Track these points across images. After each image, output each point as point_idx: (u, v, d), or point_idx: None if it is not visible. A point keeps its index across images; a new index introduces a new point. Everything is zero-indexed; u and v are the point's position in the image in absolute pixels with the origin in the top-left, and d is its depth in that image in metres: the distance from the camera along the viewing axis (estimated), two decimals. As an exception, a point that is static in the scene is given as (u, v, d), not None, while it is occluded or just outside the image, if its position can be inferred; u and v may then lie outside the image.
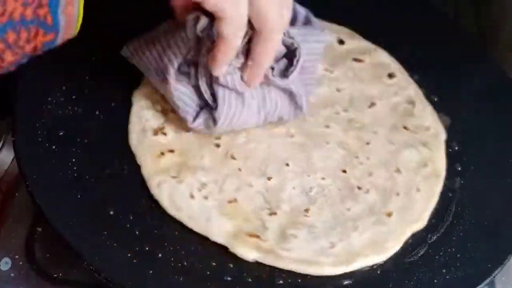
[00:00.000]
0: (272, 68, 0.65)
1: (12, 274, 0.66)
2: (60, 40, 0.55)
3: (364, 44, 0.78)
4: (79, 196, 0.64)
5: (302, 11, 0.69)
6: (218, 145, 0.68)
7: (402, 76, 0.77)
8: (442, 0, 0.90)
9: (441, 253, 0.64)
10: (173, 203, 0.64)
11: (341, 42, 0.78)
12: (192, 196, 0.64)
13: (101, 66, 0.72)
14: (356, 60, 0.77)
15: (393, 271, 0.62)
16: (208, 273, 0.61)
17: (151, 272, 0.60)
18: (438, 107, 0.75)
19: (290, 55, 0.65)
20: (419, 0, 0.85)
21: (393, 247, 0.64)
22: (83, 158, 0.66)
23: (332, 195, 0.67)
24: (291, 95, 0.67)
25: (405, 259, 0.63)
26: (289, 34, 0.65)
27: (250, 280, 0.61)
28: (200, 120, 0.66)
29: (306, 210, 0.65)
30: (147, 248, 0.61)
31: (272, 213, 0.64)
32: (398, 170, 0.69)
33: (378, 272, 0.62)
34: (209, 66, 0.63)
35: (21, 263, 0.67)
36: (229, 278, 0.61)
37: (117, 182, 0.65)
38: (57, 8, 0.52)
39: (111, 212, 0.63)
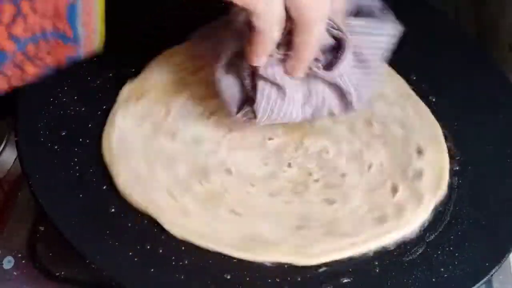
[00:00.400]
0: (318, 60, 0.63)
1: (14, 273, 0.67)
2: (83, 53, 0.54)
3: None
4: (81, 196, 0.64)
5: (367, 2, 0.67)
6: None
7: None
8: (442, 0, 0.91)
9: (439, 252, 0.64)
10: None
11: None
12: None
13: (103, 66, 0.72)
14: None
15: (391, 269, 0.63)
16: (209, 271, 0.61)
17: (152, 270, 0.60)
18: (437, 107, 0.76)
19: (339, 47, 0.63)
20: (418, 0, 0.85)
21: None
22: (85, 158, 0.66)
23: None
24: (339, 89, 0.65)
25: (403, 258, 0.64)
26: (339, 26, 0.62)
27: (248, 278, 0.61)
28: (244, 111, 0.66)
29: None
30: (148, 247, 0.62)
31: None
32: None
33: (377, 270, 0.63)
34: (247, 57, 0.62)
35: (23, 261, 0.68)
36: (228, 277, 0.61)
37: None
38: (75, 20, 0.52)
39: (113, 211, 0.64)
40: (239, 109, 0.66)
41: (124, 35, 0.71)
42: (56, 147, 0.66)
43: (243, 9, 0.58)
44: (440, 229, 0.66)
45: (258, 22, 0.58)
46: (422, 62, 0.79)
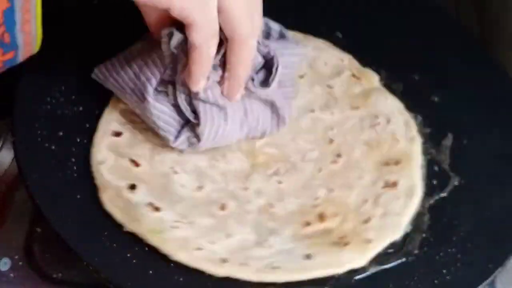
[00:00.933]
0: (252, 79, 0.64)
1: (11, 275, 0.67)
2: (21, 57, 0.55)
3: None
4: (78, 197, 0.64)
5: (275, 26, 0.68)
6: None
7: None
8: (443, 0, 0.90)
9: (441, 254, 0.64)
10: None
11: None
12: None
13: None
14: None
15: (393, 271, 0.62)
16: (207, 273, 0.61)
17: (150, 272, 0.60)
18: (438, 108, 0.75)
19: (268, 65, 0.65)
20: (420, 0, 0.85)
21: None
22: (82, 158, 0.66)
23: None
24: (273, 106, 0.66)
25: (405, 259, 0.63)
26: (264, 43, 0.64)
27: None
28: (183, 138, 0.65)
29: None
30: (146, 248, 0.61)
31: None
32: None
33: (378, 270, 0.62)
34: (187, 81, 0.62)
35: (20, 263, 0.67)
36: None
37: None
38: (13, 27, 0.51)
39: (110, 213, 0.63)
40: (177, 136, 0.65)
41: (124, 36, 0.71)
42: (53, 147, 0.66)
43: (178, 32, 0.59)
44: (443, 230, 0.65)
45: (196, 36, 0.58)
46: (424, 62, 0.78)
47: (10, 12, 0.50)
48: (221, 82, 0.63)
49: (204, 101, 0.63)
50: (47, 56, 0.71)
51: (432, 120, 0.74)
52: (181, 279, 0.60)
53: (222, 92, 0.63)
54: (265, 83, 0.65)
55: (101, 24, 0.75)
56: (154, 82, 0.64)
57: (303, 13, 0.81)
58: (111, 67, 0.68)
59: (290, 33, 0.69)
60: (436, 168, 0.71)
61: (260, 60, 0.65)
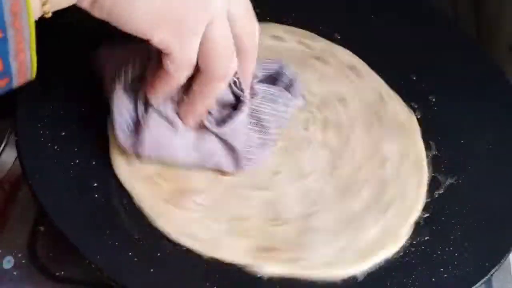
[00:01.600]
0: (211, 114, 0.63)
1: (14, 273, 0.67)
2: (16, 84, 0.54)
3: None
4: (81, 196, 0.64)
5: (288, 74, 0.67)
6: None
7: (366, 71, 0.77)
8: (441, 1, 0.91)
9: (439, 252, 0.64)
10: (178, 228, 0.63)
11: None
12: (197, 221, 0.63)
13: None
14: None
15: (390, 269, 0.63)
16: (210, 272, 0.61)
17: (152, 270, 0.60)
18: (436, 108, 0.76)
19: (237, 106, 0.64)
20: (417, 0, 0.85)
21: (405, 234, 0.65)
22: (86, 158, 0.66)
23: (331, 196, 0.67)
24: (228, 146, 0.65)
25: (402, 258, 0.64)
26: (241, 86, 0.63)
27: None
28: (130, 141, 0.64)
29: (310, 215, 0.65)
30: (148, 247, 0.62)
31: (283, 223, 0.64)
32: (383, 162, 0.70)
33: (377, 269, 0.63)
34: (147, 90, 0.62)
35: (23, 261, 0.67)
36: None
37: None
38: (7, 55, 0.51)
39: (113, 212, 0.64)
40: (127, 138, 0.64)
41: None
42: (56, 147, 0.66)
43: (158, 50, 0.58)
44: (440, 229, 0.66)
45: (170, 65, 0.58)
46: (421, 62, 0.79)
47: (2, 42, 0.50)
48: (179, 103, 0.62)
49: (157, 110, 0.62)
50: (50, 56, 0.72)
51: (430, 119, 0.75)
52: (183, 277, 0.61)
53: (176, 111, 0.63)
54: (225, 121, 0.63)
55: (105, 25, 0.75)
56: (123, 76, 0.63)
57: (303, 13, 0.82)
58: (108, 54, 0.68)
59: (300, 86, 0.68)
60: (434, 167, 0.71)
61: (231, 99, 0.63)
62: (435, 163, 0.71)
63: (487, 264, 0.64)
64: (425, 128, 0.74)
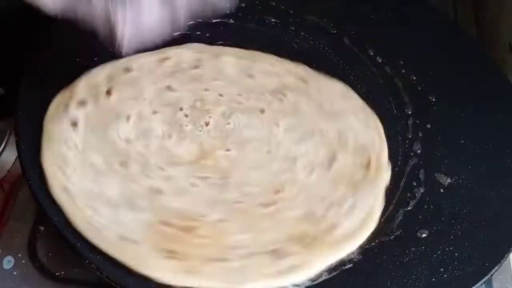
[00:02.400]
0: None
1: (14, 273, 0.67)
2: None
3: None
4: (81, 195, 0.64)
5: None
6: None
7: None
8: (441, 1, 0.91)
9: (438, 252, 0.64)
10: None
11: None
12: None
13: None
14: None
15: (391, 269, 0.63)
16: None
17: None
18: (437, 108, 0.76)
19: None
20: (418, 0, 0.85)
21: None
22: (85, 158, 0.66)
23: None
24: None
25: (403, 258, 0.64)
26: None
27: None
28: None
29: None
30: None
31: (317, 217, 0.65)
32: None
33: (377, 269, 0.63)
34: None
35: (23, 261, 0.68)
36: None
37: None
38: None
39: (113, 211, 0.64)
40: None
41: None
42: (55, 147, 0.66)
43: None
44: (440, 229, 0.66)
45: None
46: (422, 62, 0.79)
47: None
48: None
49: None
50: (49, 56, 0.72)
51: (430, 118, 0.75)
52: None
53: None
54: None
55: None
56: None
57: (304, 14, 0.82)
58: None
59: None
60: (433, 166, 0.71)
61: None
62: (434, 163, 0.71)
63: (487, 264, 0.64)
64: (425, 127, 0.74)
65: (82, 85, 0.71)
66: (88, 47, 0.72)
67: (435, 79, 0.78)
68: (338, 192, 0.68)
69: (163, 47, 0.72)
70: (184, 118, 0.71)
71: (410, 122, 0.74)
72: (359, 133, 0.73)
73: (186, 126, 0.70)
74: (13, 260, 0.68)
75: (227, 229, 0.63)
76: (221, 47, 0.78)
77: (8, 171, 0.74)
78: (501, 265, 0.64)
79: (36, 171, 0.64)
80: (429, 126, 0.74)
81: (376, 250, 0.64)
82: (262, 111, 0.71)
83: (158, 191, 0.65)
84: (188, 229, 0.63)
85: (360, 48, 0.80)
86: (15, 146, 0.66)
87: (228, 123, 0.71)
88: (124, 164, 0.66)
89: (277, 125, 0.71)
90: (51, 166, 0.64)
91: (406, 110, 0.75)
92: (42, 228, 0.69)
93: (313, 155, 0.70)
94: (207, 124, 0.71)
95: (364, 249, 0.64)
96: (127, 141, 0.68)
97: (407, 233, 0.66)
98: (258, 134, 0.70)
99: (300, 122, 0.72)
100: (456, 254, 0.64)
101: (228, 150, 0.69)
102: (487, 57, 0.81)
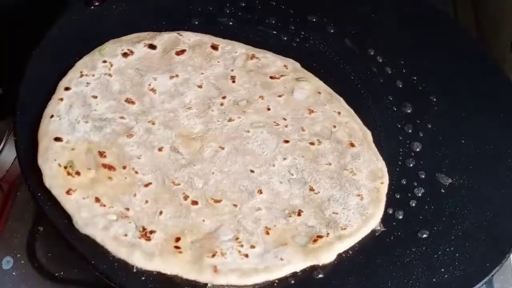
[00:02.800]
0: None
1: (13, 273, 0.67)
2: None
3: (168, 36, 0.77)
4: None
5: None
6: (195, 202, 0.65)
7: (221, 43, 0.77)
8: (442, 1, 0.91)
9: (439, 253, 0.64)
10: (243, 275, 0.61)
11: (151, 46, 0.75)
12: (245, 256, 0.62)
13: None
14: (178, 53, 0.75)
15: (391, 270, 0.63)
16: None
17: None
18: (437, 108, 0.76)
19: None
20: (418, 0, 0.85)
21: (382, 164, 0.69)
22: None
23: (307, 165, 0.68)
24: None
25: (403, 258, 0.64)
26: None
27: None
28: None
29: (312, 190, 0.67)
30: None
31: (298, 214, 0.65)
32: (310, 111, 0.72)
33: (378, 269, 0.63)
34: None
35: (22, 262, 0.68)
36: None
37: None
38: None
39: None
40: None
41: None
42: (55, 147, 0.66)
43: None
44: (441, 229, 0.66)
45: None
46: (422, 62, 0.79)
47: None
48: None
49: None
50: (47, 57, 0.72)
51: (430, 118, 0.74)
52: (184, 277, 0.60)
53: None
54: None
55: (101, 26, 0.75)
56: None
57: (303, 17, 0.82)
58: None
59: None
60: (433, 166, 0.71)
61: None
62: (435, 163, 0.71)
63: (488, 264, 0.64)
64: (426, 127, 0.74)
65: None
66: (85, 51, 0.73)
67: (436, 79, 0.78)
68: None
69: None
70: (219, 105, 0.72)
71: (410, 122, 0.74)
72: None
73: (213, 111, 0.71)
74: (12, 261, 0.68)
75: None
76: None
77: (7, 171, 0.74)
78: (502, 265, 0.64)
79: (35, 171, 0.64)
80: (429, 126, 0.74)
81: (376, 251, 0.64)
82: (287, 141, 0.70)
83: (130, 132, 0.68)
84: (111, 168, 0.64)
85: (361, 48, 0.80)
86: (14, 146, 0.66)
87: (248, 131, 0.70)
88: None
89: (285, 159, 0.69)
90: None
91: (406, 110, 0.75)
92: (41, 229, 0.70)
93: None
94: (229, 120, 0.71)
95: (364, 250, 0.64)
96: (153, 91, 0.71)
97: (407, 234, 0.66)
98: (260, 154, 0.69)
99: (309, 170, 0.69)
100: (457, 255, 0.64)
101: (221, 148, 0.69)
102: (487, 57, 0.81)
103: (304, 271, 0.62)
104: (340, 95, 0.75)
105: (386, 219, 0.67)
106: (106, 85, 0.71)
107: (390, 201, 0.68)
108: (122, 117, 0.68)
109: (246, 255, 0.61)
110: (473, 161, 0.71)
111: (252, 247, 0.62)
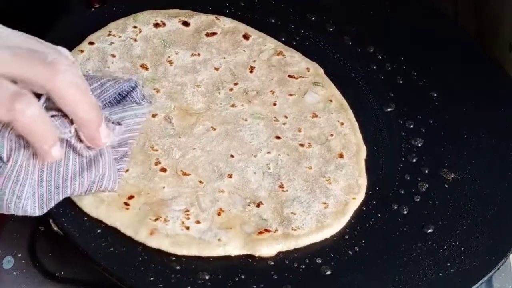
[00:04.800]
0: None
1: (14, 273, 0.66)
2: None
3: (205, 17, 0.78)
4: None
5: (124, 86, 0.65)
6: (164, 170, 0.66)
7: (254, 34, 0.78)
8: (442, 0, 0.91)
9: (445, 247, 0.64)
10: (176, 243, 0.62)
11: (185, 23, 0.77)
12: (188, 228, 0.62)
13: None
14: (208, 35, 0.77)
15: (398, 265, 0.63)
16: (219, 276, 0.61)
17: (155, 270, 0.60)
18: (438, 103, 0.76)
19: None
20: (419, 0, 0.86)
21: (363, 182, 0.68)
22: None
23: (288, 164, 0.68)
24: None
25: (410, 253, 0.64)
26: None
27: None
28: None
29: (281, 187, 0.66)
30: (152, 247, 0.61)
31: (258, 205, 0.65)
32: (314, 115, 0.72)
33: (384, 265, 0.63)
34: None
35: (23, 261, 0.67)
36: (243, 277, 0.61)
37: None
38: None
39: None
40: None
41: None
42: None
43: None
44: (446, 223, 0.66)
45: None
46: (422, 58, 0.79)
47: None
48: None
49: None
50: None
51: (432, 114, 0.75)
52: (188, 276, 0.60)
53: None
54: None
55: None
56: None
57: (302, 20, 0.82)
58: None
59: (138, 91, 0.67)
60: (436, 162, 0.71)
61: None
62: (438, 159, 0.71)
63: (493, 257, 0.64)
64: (427, 123, 0.74)
65: None
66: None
67: (436, 74, 0.78)
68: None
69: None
70: (228, 90, 0.72)
71: (412, 117, 0.74)
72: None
73: (219, 93, 0.72)
74: (13, 260, 0.67)
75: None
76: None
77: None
78: (507, 259, 0.64)
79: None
80: (431, 122, 0.74)
81: (383, 247, 0.64)
82: (278, 137, 0.70)
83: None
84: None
85: (361, 45, 0.80)
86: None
87: (246, 120, 0.70)
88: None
89: (269, 152, 0.69)
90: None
91: (408, 106, 0.75)
92: (42, 228, 0.69)
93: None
94: (232, 106, 0.71)
95: (371, 246, 0.64)
96: (170, 63, 0.73)
97: (413, 229, 0.66)
98: (247, 142, 0.69)
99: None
100: (462, 249, 0.64)
101: (213, 129, 0.69)
102: (487, 55, 0.81)
103: (309, 267, 0.62)
104: (341, 93, 0.75)
105: (391, 215, 0.67)
106: (128, 48, 0.73)
107: (395, 196, 0.68)
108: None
109: (188, 228, 0.62)
110: (475, 156, 0.72)
111: (198, 222, 0.63)
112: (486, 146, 0.72)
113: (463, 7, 0.96)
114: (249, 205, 0.65)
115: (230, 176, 0.66)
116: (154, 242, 0.61)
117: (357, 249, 0.64)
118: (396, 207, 0.67)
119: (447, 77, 0.78)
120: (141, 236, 0.61)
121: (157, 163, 0.66)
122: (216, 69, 0.74)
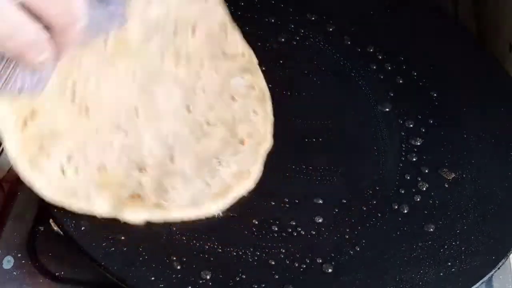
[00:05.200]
0: None
1: (14, 273, 0.66)
2: None
3: None
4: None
5: None
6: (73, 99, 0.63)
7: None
8: (442, 0, 0.91)
9: (446, 247, 0.64)
10: (48, 184, 0.60)
11: None
12: (64, 173, 0.61)
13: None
14: None
15: (398, 265, 0.63)
16: (220, 276, 0.60)
17: (158, 271, 0.60)
18: (438, 103, 0.76)
19: None
20: (418, 0, 0.86)
21: (255, 170, 0.67)
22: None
23: (188, 138, 0.67)
24: None
25: (410, 253, 0.64)
26: None
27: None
28: None
29: (171, 159, 0.65)
30: (154, 246, 0.61)
31: (142, 170, 0.64)
32: (233, 98, 0.71)
33: (384, 265, 0.63)
34: None
35: (23, 261, 0.67)
36: (244, 276, 0.61)
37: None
38: None
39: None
40: None
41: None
42: (55, 145, 0.66)
43: None
44: (446, 223, 0.66)
45: None
46: (422, 58, 0.79)
47: None
48: None
49: None
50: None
51: (432, 114, 0.75)
52: (190, 274, 0.60)
53: None
54: None
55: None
56: None
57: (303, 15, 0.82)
58: None
59: None
60: (436, 161, 0.71)
61: None
62: (438, 158, 0.71)
63: (494, 257, 0.64)
64: (427, 122, 0.74)
65: None
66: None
67: (436, 74, 0.78)
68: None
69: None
70: (164, 42, 0.69)
71: (411, 117, 0.74)
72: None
73: (155, 39, 0.68)
74: (12, 260, 0.67)
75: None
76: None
77: (8, 171, 0.73)
78: (507, 258, 0.64)
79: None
80: (431, 122, 0.74)
81: (384, 246, 0.64)
82: (189, 110, 0.69)
83: None
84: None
85: (360, 45, 0.80)
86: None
87: (165, 83, 0.68)
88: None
89: (174, 124, 0.67)
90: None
91: (407, 106, 0.75)
92: (42, 228, 0.69)
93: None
94: (161, 62, 0.68)
95: (372, 246, 0.64)
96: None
97: (413, 228, 0.66)
98: (159, 105, 0.67)
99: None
100: (463, 248, 0.64)
101: (134, 74, 0.66)
102: (487, 51, 0.82)
103: (310, 267, 0.62)
104: (341, 93, 0.76)
105: (391, 214, 0.67)
106: None
107: (395, 196, 0.68)
108: None
109: (64, 172, 0.61)
110: (475, 156, 0.72)
111: (76, 173, 0.61)
112: (486, 146, 0.72)
113: (463, 7, 0.96)
114: (133, 169, 0.63)
115: (126, 134, 0.64)
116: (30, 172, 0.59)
117: (358, 249, 0.64)
118: (396, 207, 0.67)
119: (447, 76, 0.78)
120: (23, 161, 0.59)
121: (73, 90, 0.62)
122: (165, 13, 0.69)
